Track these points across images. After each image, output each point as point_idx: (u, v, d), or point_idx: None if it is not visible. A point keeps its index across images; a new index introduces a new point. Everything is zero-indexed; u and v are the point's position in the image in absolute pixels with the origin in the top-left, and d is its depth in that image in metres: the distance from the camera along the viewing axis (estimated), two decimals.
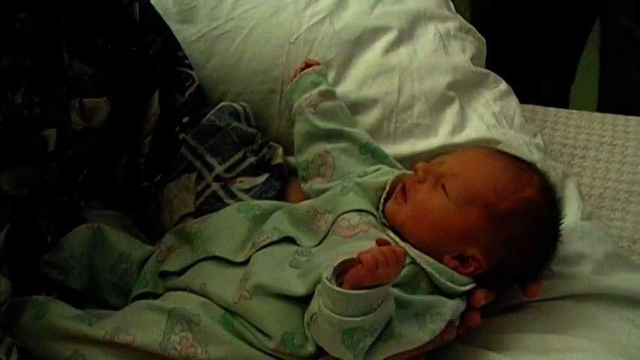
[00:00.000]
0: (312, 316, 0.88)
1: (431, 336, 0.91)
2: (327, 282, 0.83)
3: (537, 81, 1.71)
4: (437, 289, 0.94)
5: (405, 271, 0.91)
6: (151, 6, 1.12)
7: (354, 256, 0.84)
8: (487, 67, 1.28)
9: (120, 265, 1.03)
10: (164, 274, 1.01)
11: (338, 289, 0.83)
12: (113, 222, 1.11)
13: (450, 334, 0.95)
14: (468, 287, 0.95)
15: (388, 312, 0.86)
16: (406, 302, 0.90)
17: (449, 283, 0.94)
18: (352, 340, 0.85)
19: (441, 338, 0.94)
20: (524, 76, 1.63)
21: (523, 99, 1.31)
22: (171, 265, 1.00)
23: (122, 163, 1.13)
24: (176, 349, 0.91)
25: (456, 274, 0.95)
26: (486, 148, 1.08)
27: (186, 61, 1.16)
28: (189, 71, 1.16)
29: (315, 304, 0.87)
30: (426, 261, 0.94)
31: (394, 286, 0.88)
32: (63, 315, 0.94)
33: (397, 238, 0.96)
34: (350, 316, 0.84)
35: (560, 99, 1.84)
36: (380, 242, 0.87)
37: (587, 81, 1.94)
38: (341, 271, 0.84)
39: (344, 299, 0.83)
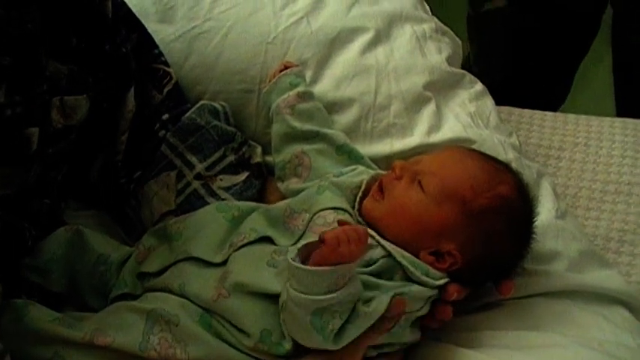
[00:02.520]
0: (282, 305, 0.89)
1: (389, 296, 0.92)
2: (291, 261, 0.85)
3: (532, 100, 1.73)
4: (411, 282, 0.95)
5: (379, 263, 0.93)
6: (124, 3, 1.12)
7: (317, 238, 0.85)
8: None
9: (99, 267, 1.03)
10: (143, 275, 1.01)
11: (302, 266, 0.84)
12: (92, 222, 1.11)
13: (401, 305, 0.93)
14: (442, 282, 0.96)
15: (354, 292, 0.87)
16: (375, 285, 0.91)
17: (424, 277, 0.95)
18: (321, 322, 0.86)
19: (390, 312, 0.92)
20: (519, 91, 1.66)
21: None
22: (150, 266, 1.01)
23: (99, 161, 1.13)
24: (155, 350, 0.91)
25: (431, 268, 0.96)
26: (462, 147, 1.10)
27: (162, 58, 1.16)
28: (166, 68, 1.16)
29: (284, 291, 0.88)
30: (401, 255, 0.95)
31: (367, 274, 0.90)
32: (42, 318, 0.94)
33: (375, 235, 0.97)
34: (315, 294, 0.85)
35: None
36: (341, 223, 0.89)
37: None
38: (306, 254, 0.86)
39: (308, 276, 0.84)
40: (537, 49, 1.78)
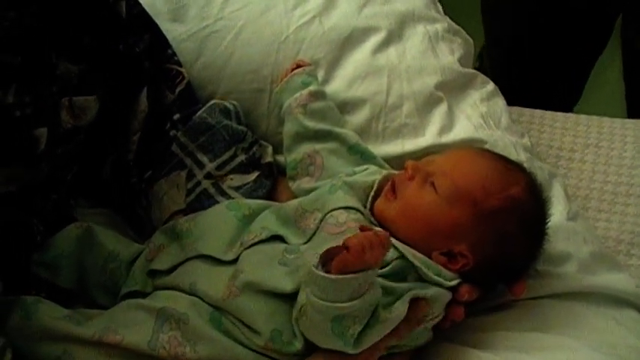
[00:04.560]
0: (300, 308, 0.88)
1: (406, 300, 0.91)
2: (313, 269, 0.84)
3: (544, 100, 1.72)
4: (425, 283, 0.95)
5: (393, 264, 0.93)
6: (139, 3, 1.12)
7: (340, 243, 0.84)
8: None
9: (109, 264, 1.03)
10: (153, 273, 1.01)
11: (325, 274, 0.84)
12: (103, 220, 1.11)
13: (423, 308, 0.94)
14: (455, 282, 0.96)
15: (375, 298, 0.87)
16: (391, 289, 0.91)
17: (436, 278, 0.94)
18: (341, 328, 0.86)
19: (415, 315, 0.93)
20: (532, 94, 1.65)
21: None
22: (161, 264, 1.01)
23: (110, 161, 1.13)
24: (165, 348, 0.91)
25: (443, 269, 0.95)
26: (475, 147, 1.10)
27: (175, 58, 1.17)
28: (179, 68, 1.16)
29: (302, 295, 0.88)
30: (414, 255, 0.94)
31: (382, 277, 0.90)
32: (52, 315, 0.94)
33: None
34: (338, 302, 0.84)
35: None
36: (363, 228, 0.89)
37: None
38: (327, 259, 0.85)
39: (331, 285, 0.84)
40: (548, 40, 1.77)
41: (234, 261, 0.97)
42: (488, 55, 1.89)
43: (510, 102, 1.28)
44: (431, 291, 0.94)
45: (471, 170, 0.99)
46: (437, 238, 0.96)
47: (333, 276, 0.84)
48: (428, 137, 1.15)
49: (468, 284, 0.97)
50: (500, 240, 0.96)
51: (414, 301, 0.92)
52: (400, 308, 0.91)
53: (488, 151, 1.07)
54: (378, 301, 0.88)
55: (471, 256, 0.96)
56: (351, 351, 0.88)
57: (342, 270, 0.84)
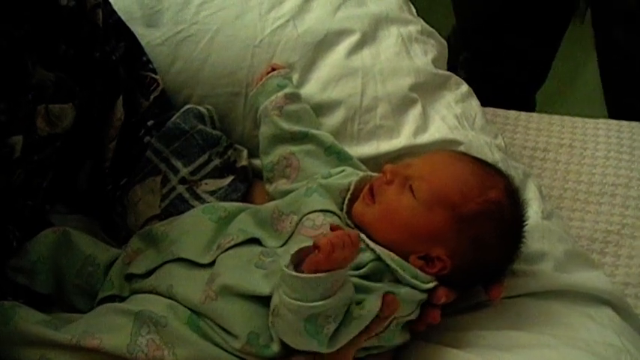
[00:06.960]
0: (273, 310, 0.88)
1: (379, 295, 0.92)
2: (285, 269, 0.85)
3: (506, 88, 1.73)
4: (400, 284, 0.95)
5: (369, 266, 0.93)
6: (114, 12, 1.12)
7: (310, 243, 0.85)
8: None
9: (86, 269, 1.03)
10: (130, 277, 1.01)
11: (296, 274, 0.84)
12: (79, 226, 1.10)
13: (393, 304, 0.93)
14: (431, 285, 0.96)
15: (348, 296, 0.87)
16: (366, 288, 0.91)
17: (413, 280, 0.95)
18: (315, 327, 0.86)
19: (384, 311, 0.92)
20: (494, 82, 1.66)
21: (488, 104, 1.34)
22: (138, 268, 1.00)
23: (86, 168, 1.13)
24: (143, 352, 0.91)
25: (419, 272, 0.96)
26: (453, 151, 1.10)
27: (150, 65, 1.17)
28: (154, 75, 1.16)
29: (275, 296, 0.88)
30: (390, 258, 0.95)
31: (358, 277, 0.91)
32: (29, 320, 0.93)
33: (364, 238, 0.97)
34: (310, 301, 0.85)
35: (526, 105, 1.87)
36: (333, 227, 0.89)
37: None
38: (299, 259, 0.86)
39: (303, 284, 0.84)
40: (514, 20, 1.79)
41: (211, 264, 0.97)
42: (455, 36, 1.89)
43: (483, 102, 1.29)
44: (403, 290, 0.94)
45: (450, 175, 0.99)
46: (415, 242, 0.97)
47: (303, 275, 0.84)
48: (403, 138, 1.16)
49: (445, 287, 0.97)
50: (478, 245, 0.97)
51: (384, 297, 0.92)
52: (373, 304, 0.91)
53: (466, 154, 1.07)
54: (352, 299, 0.88)
55: (448, 261, 0.96)
56: (325, 351, 0.89)
57: (314, 270, 0.84)
